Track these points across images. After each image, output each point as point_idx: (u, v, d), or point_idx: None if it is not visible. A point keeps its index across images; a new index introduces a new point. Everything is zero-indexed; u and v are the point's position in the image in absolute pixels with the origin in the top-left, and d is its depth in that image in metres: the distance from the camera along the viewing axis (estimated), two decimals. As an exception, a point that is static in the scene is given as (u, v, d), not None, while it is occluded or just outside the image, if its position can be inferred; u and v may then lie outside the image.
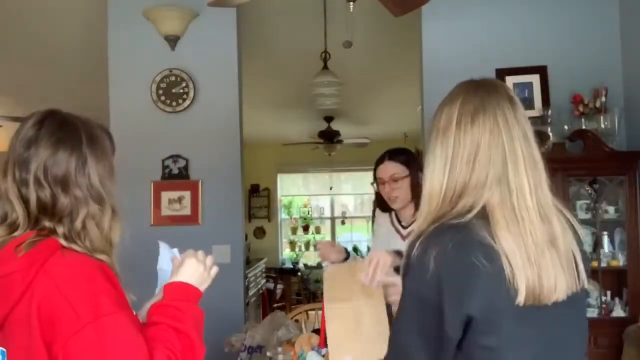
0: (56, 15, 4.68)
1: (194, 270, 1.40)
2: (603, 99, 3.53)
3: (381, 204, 2.58)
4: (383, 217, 2.61)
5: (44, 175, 1.21)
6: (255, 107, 6.12)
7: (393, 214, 2.57)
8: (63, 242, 1.20)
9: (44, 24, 4.79)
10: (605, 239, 3.50)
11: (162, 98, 3.89)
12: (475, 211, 1.12)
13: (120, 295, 1.19)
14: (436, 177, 1.17)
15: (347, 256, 2.36)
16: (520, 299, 1.06)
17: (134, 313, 1.25)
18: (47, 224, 1.21)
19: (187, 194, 3.88)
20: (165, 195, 3.88)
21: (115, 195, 1.31)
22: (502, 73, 3.76)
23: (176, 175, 3.90)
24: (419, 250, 1.10)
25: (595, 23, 3.82)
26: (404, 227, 2.51)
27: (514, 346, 1.10)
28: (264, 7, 4.36)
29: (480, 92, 1.20)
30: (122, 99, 3.94)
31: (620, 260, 3.46)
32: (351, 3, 4.35)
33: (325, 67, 5.15)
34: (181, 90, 3.90)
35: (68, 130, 1.26)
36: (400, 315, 1.16)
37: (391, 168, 2.44)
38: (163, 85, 3.89)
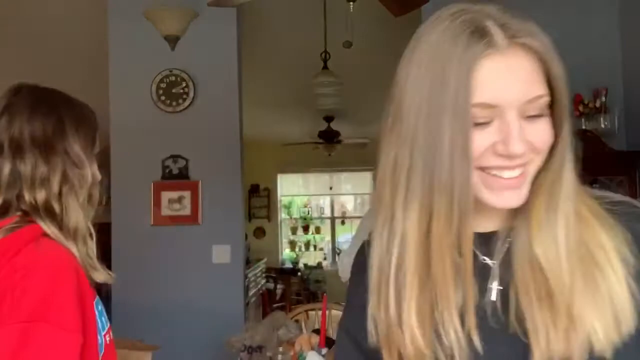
0: (56, 16, 4.68)
1: None
2: (603, 99, 3.53)
3: None
4: None
5: (20, 139, 1.14)
6: (255, 107, 6.11)
7: None
8: (43, 226, 1.11)
9: (43, 25, 4.79)
10: (605, 239, 3.50)
11: (162, 98, 3.89)
12: None
13: (80, 314, 1.06)
14: None
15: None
16: None
17: (100, 338, 1.14)
18: (26, 195, 1.12)
19: (187, 194, 3.88)
20: (165, 195, 3.88)
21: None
22: (502, 73, 3.76)
23: (176, 175, 3.90)
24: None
25: (595, 23, 3.82)
26: None
27: None
28: (264, 7, 4.37)
29: None
30: (122, 99, 3.94)
31: (620, 260, 3.45)
32: (351, 3, 4.35)
33: (325, 67, 5.15)
34: (181, 90, 3.90)
35: (44, 94, 1.23)
36: None
37: None
38: (163, 85, 3.89)
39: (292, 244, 10.42)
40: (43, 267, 1.05)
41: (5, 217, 1.11)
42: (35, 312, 0.99)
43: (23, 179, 1.13)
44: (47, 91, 1.24)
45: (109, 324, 1.20)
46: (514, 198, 0.75)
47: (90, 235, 1.19)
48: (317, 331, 2.43)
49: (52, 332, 0.99)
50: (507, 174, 0.74)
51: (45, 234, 1.11)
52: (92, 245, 1.19)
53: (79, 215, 1.16)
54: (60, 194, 1.14)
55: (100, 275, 1.19)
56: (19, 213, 1.12)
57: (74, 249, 1.14)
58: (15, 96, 1.19)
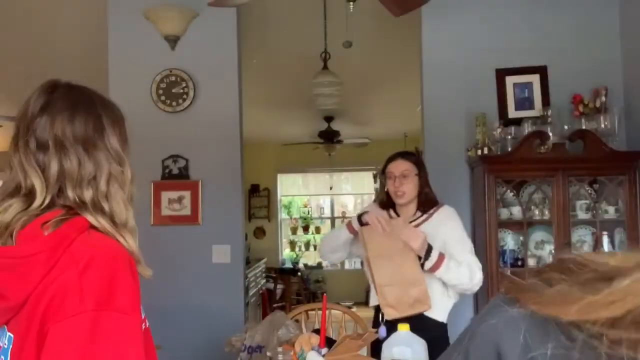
0: (56, 15, 4.68)
1: None
2: (603, 99, 3.53)
3: (383, 201, 2.72)
4: (380, 213, 2.69)
5: (64, 137, 1.14)
6: (255, 107, 6.12)
7: (391, 211, 2.70)
8: (91, 219, 1.12)
9: (44, 24, 4.79)
10: (605, 239, 3.50)
11: (162, 98, 3.89)
12: None
13: (139, 298, 1.11)
14: None
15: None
16: None
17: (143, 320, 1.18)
18: (70, 192, 1.13)
19: (187, 194, 3.89)
20: (165, 195, 3.88)
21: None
22: (502, 73, 3.76)
23: (176, 175, 3.90)
24: None
25: (595, 23, 3.82)
26: None
27: None
28: (264, 7, 4.36)
29: None
30: (122, 99, 3.88)
31: (620, 260, 3.45)
32: (351, 3, 4.35)
33: (325, 67, 5.14)
34: (181, 90, 3.90)
35: (81, 93, 1.23)
36: None
37: (402, 164, 2.65)
38: (163, 85, 3.90)
39: (292, 244, 10.42)
40: (101, 255, 1.07)
41: (49, 211, 1.12)
42: (101, 300, 1.02)
43: (67, 176, 1.14)
44: (83, 89, 1.25)
45: (144, 314, 1.22)
46: None
47: (135, 231, 1.23)
48: (317, 331, 2.43)
49: (118, 318, 1.03)
50: None
51: (92, 226, 1.13)
52: (136, 241, 1.22)
53: (128, 213, 1.20)
54: (107, 192, 1.17)
55: (146, 270, 1.22)
56: (59, 207, 1.13)
57: (128, 241, 1.17)
58: (52, 94, 1.19)
